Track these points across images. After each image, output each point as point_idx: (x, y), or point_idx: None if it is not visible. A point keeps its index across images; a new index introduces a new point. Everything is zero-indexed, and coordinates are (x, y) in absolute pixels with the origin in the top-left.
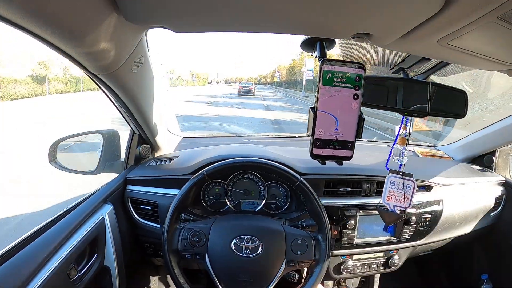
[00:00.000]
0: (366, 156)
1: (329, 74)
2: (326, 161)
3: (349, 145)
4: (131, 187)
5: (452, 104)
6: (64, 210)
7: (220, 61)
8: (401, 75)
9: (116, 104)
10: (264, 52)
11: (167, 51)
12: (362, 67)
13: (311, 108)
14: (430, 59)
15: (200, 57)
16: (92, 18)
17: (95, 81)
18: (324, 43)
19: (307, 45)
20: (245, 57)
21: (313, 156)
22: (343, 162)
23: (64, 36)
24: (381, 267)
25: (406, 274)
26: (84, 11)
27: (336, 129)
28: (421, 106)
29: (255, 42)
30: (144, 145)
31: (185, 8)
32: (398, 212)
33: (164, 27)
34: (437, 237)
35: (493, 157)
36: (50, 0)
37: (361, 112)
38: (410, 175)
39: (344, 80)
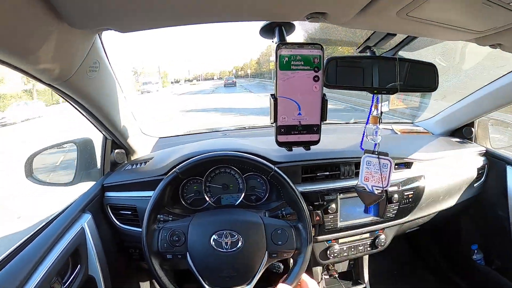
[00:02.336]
0: (343, 138)
1: (286, 58)
2: (292, 148)
3: (315, 129)
4: (109, 194)
5: (422, 78)
6: (42, 224)
7: (190, 58)
8: (368, 54)
9: (81, 111)
10: (237, 41)
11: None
12: (320, 48)
13: (271, 94)
14: (395, 35)
15: (162, 55)
16: (35, 29)
17: (53, 90)
18: (283, 28)
19: (266, 31)
20: (215, 50)
21: (279, 143)
22: (314, 146)
23: (8, 51)
24: (369, 248)
25: (395, 252)
26: (25, 23)
27: (300, 113)
28: (390, 83)
29: (224, 32)
30: (118, 150)
31: (126, 6)
32: (376, 192)
33: (110, 29)
34: (422, 213)
35: (472, 128)
36: None
37: (324, 94)
38: (386, 154)
39: (302, 63)
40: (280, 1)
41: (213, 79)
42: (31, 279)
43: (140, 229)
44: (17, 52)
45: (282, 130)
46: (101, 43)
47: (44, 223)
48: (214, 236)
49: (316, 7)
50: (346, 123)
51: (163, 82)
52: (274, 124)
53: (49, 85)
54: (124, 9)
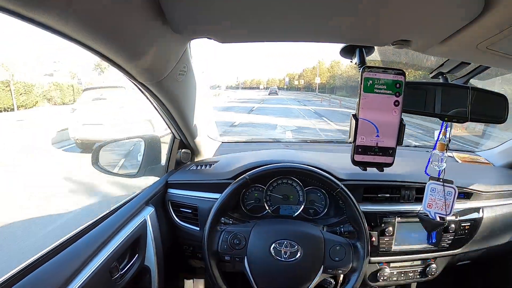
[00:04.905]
0: (405, 162)
1: (370, 81)
2: (367, 168)
3: (390, 152)
4: (171, 191)
5: (492, 109)
6: (107, 211)
7: (239, 63)
8: (440, 80)
9: (159, 111)
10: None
11: None
12: (402, 73)
13: (352, 115)
14: (470, 63)
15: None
16: (141, 30)
17: (141, 89)
18: (363, 49)
19: (347, 52)
20: (266, 54)
21: (355, 162)
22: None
23: (115, 49)
24: (418, 276)
25: (442, 284)
26: (134, 24)
27: (377, 135)
28: (461, 111)
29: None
30: (185, 150)
31: (230, 19)
32: (439, 219)
33: (209, 38)
34: (476, 246)
35: None
36: (103, 15)
37: (402, 119)
38: (451, 182)
39: (385, 87)
40: (372, 28)
41: (258, 88)
42: (93, 260)
43: (197, 228)
44: (124, 51)
45: (359, 149)
46: (189, 48)
47: (110, 210)
48: (274, 244)
49: (403, 35)
50: (406, 146)
51: None
52: (352, 144)
53: (141, 84)
54: (228, 21)
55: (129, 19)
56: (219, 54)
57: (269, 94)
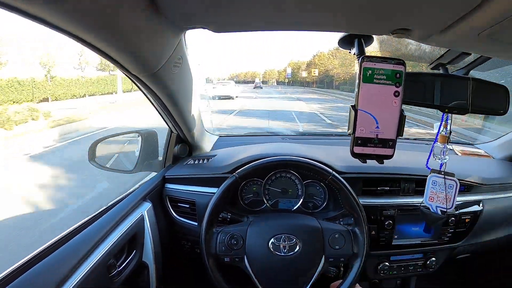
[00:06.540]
0: (404, 154)
1: (370, 71)
2: (366, 160)
3: (390, 143)
4: (169, 186)
5: (492, 100)
6: (104, 207)
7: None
8: (440, 71)
9: (155, 104)
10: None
11: None
12: (402, 63)
13: (351, 106)
14: (470, 54)
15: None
16: (133, 19)
17: (135, 82)
18: (362, 39)
19: (345, 42)
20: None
21: (354, 154)
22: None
23: (106, 38)
24: (419, 269)
25: (443, 276)
26: (126, 12)
27: (377, 127)
28: (461, 103)
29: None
30: (182, 144)
31: (225, 8)
32: (440, 213)
33: (204, 28)
34: (476, 239)
35: None
36: (93, 4)
37: (402, 110)
38: (452, 175)
39: (385, 77)
40: (371, 16)
41: (253, 82)
42: (90, 257)
43: (195, 223)
44: (115, 41)
45: (359, 141)
46: (184, 40)
47: (106, 206)
48: (272, 240)
49: (403, 24)
50: (406, 139)
51: None
52: (351, 135)
53: (135, 76)
54: (223, 10)
55: (120, 7)
56: (210, 43)
57: (254, 88)
